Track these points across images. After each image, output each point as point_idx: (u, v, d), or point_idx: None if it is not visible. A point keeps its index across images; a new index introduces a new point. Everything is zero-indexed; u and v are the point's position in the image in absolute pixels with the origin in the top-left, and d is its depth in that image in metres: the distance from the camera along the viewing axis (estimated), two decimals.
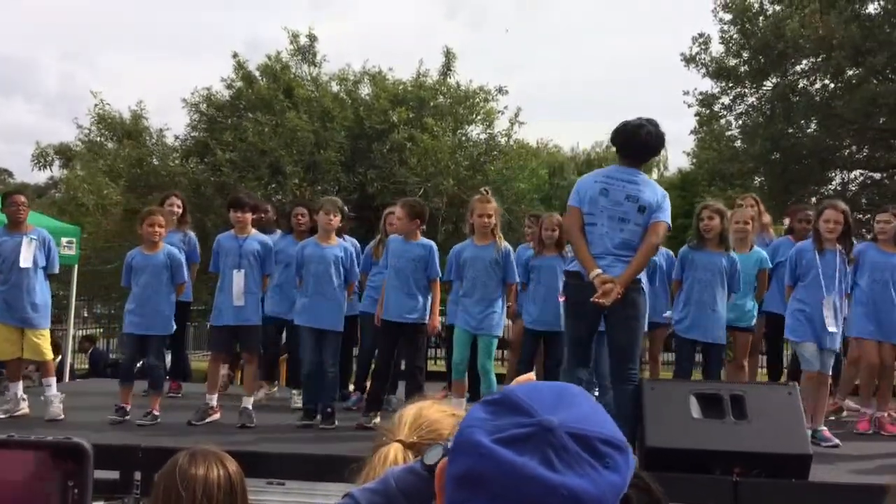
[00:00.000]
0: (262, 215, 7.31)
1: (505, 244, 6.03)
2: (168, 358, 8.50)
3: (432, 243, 6.35)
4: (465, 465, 0.89)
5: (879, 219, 6.32)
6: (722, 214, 6.16)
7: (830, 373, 5.93)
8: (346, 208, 6.65)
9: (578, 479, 0.84)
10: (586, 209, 4.94)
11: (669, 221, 4.96)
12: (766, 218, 7.55)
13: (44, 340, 6.49)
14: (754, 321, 6.62)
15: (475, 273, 5.95)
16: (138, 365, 6.69)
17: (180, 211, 7.57)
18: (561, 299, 6.10)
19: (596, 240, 4.89)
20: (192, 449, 2.30)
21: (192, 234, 7.69)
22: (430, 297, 6.18)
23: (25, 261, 6.36)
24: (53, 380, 6.47)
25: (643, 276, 5.04)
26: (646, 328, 6.09)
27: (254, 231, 6.51)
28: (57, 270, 6.77)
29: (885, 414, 6.33)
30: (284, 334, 7.83)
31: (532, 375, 1.17)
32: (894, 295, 6.14)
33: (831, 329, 5.68)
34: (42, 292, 6.49)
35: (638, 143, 4.99)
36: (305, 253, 6.31)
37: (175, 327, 6.55)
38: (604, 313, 4.91)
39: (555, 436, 0.86)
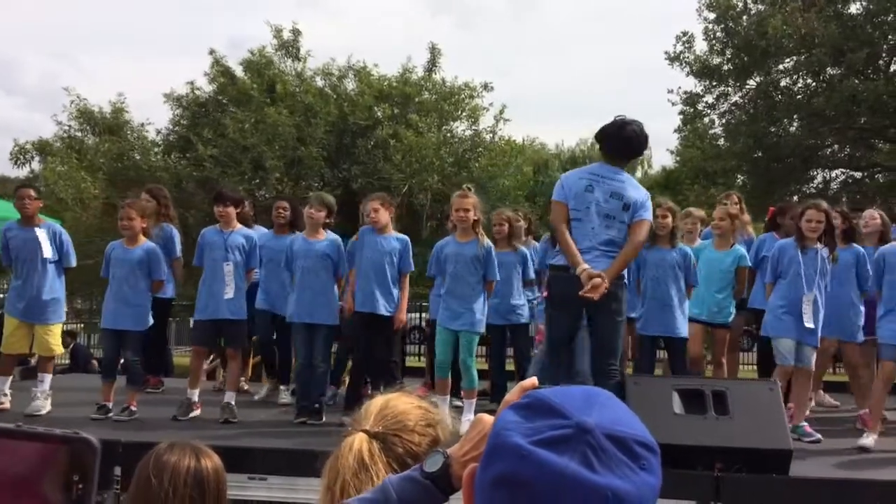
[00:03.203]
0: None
1: (487, 241, 6.03)
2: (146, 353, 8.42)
3: (406, 237, 6.35)
4: (502, 467, 0.87)
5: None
6: (673, 213, 6.37)
7: (813, 368, 5.97)
8: (333, 203, 6.63)
9: (619, 480, 0.83)
10: (572, 205, 4.98)
11: (652, 220, 5.10)
12: (746, 217, 7.62)
13: (52, 336, 6.41)
14: (731, 318, 6.68)
15: (456, 269, 5.92)
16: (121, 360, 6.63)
17: (153, 206, 7.23)
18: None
19: (582, 235, 4.93)
20: (177, 440, 2.31)
21: (169, 227, 7.36)
22: (400, 291, 6.22)
23: (48, 252, 6.30)
24: (49, 377, 6.37)
25: (625, 273, 5.10)
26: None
27: (238, 225, 6.49)
28: (73, 263, 6.60)
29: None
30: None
31: (535, 380, 1.16)
32: (851, 293, 6.29)
33: (809, 325, 5.73)
34: (54, 287, 6.40)
35: (622, 140, 5.05)
36: (294, 248, 6.31)
37: (152, 323, 6.48)
38: (588, 309, 4.94)
39: (593, 437, 0.85)
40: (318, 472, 1.68)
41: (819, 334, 5.85)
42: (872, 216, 6.94)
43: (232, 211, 6.41)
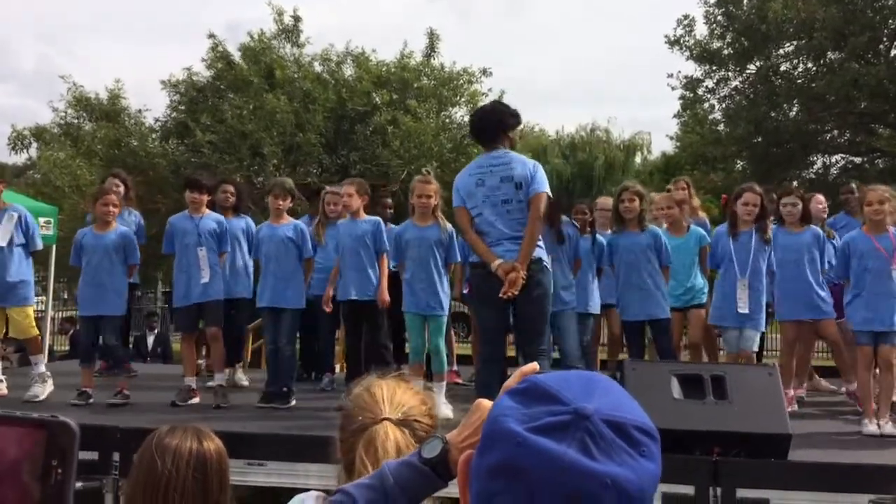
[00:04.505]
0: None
1: (449, 226, 6.02)
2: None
3: (378, 219, 6.40)
4: (499, 455, 0.86)
5: (785, 202, 6.32)
6: (641, 196, 6.37)
7: (756, 350, 6.03)
8: (295, 190, 6.76)
9: (618, 467, 0.82)
10: (470, 204, 5.05)
11: (547, 190, 5.06)
12: (695, 201, 7.67)
13: (27, 318, 6.44)
14: (706, 298, 6.68)
15: (420, 254, 5.93)
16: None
17: (121, 191, 7.43)
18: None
19: (487, 229, 5.00)
20: (178, 424, 2.31)
21: (137, 213, 7.69)
22: (379, 272, 6.27)
23: (3, 238, 6.28)
24: (41, 357, 6.41)
25: (545, 255, 5.12)
26: (597, 309, 6.73)
27: (207, 211, 6.57)
28: (39, 247, 6.68)
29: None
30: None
31: (535, 366, 1.15)
32: (807, 273, 6.20)
33: (741, 310, 5.80)
34: (20, 270, 6.41)
35: (482, 120, 5.24)
36: (260, 235, 6.51)
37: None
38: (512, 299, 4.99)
39: (591, 423, 0.83)
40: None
41: (761, 317, 5.90)
42: (820, 201, 7.09)
43: (205, 198, 6.52)
